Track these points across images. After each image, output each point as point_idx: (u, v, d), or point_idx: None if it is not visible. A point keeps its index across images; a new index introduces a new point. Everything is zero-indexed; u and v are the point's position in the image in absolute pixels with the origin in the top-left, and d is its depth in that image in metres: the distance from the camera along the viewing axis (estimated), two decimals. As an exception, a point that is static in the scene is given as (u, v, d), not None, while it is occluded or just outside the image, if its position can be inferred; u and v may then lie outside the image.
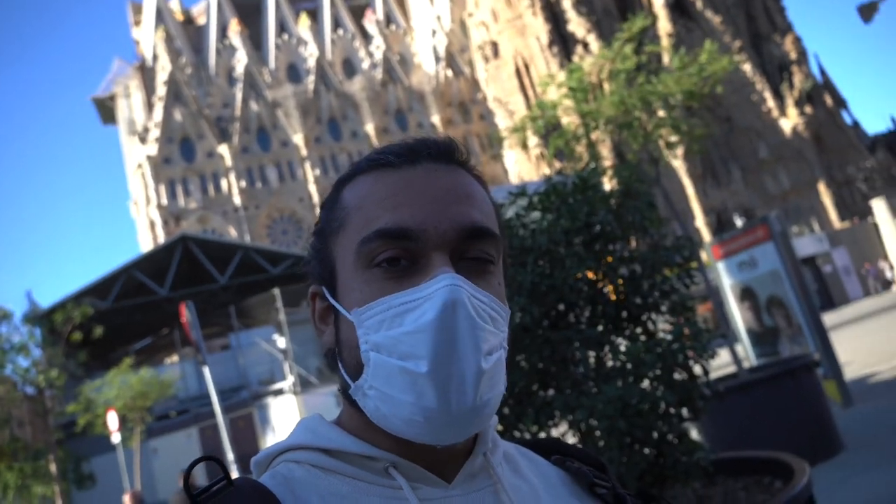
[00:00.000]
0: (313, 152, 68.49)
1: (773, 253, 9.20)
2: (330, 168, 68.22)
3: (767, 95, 54.02)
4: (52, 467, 18.89)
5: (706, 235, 48.11)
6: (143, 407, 18.61)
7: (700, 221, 51.20)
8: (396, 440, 0.68)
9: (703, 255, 11.76)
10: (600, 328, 3.99)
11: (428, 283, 0.66)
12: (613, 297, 3.88)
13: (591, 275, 3.92)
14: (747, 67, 53.60)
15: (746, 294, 9.91)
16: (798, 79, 54.95)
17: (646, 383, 3.63)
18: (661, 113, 10.53)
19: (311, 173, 68.00)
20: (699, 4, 55.36)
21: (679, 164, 50.65)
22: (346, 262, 0.71)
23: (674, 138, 11.12)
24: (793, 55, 56.51)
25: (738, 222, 31.03)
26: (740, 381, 6.74)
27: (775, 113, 54.16)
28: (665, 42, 48.87)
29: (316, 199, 65.37)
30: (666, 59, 17.91)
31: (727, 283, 10.12)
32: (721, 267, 10.24)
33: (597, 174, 3.96)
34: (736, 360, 7.86)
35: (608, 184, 4.92)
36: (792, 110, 53.91)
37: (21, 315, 23.87)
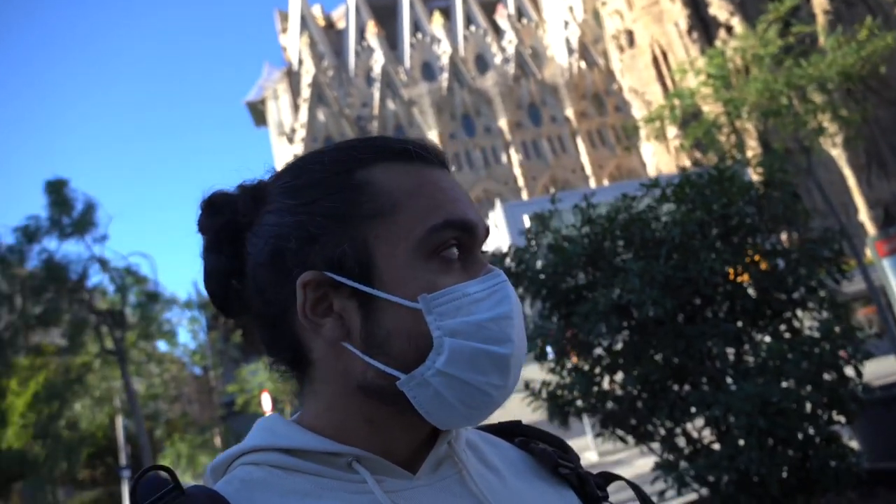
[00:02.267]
0: (448, 148, 69.80)
1: (946, 248, 8.34)
2: (465, 165, 69.18)
3: (944, 72, 48.44)
4: (217, 440, 20.69)
5: (871, 231, 44.00)
6: (293, 390, 20.04)
7: (864, 215, 46.86)
8: (359, 436, 0.69)
9: (868, 253, 10.82)
10: (739, 324, 3.84)
11: (490, 276, 0.70)
12: (754, 292, 3.71)
13: (730, 270, 3.78)
14: (919, 43, 48.32)
15: (915, 292, 9.05)
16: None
17: (789, 383, 3.45)
18: (816, 98, 9.72)
19: (445, 169, 69.33)
20: (860, -23, 50.63)
21: (838, 153, 46.58)
22: (396, 249, 0.69)
23: (828, 125, 10.25)
24: (976, 26, 50.31)
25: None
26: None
27: (954, 92, 48.46)
28: (821, 20, 45.13)
29: (451, 193, 66.89)
30: (822, 39, 16.50)
31: (895, 283, 9.30)
32: (887, 265, 9.41)
33: (741, 165, 3.80)
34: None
35: (754, 175, 4.69)
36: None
37: (186, 302, 26.39)
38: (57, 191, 20.38)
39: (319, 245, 0.69)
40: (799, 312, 3.84)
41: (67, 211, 20.18)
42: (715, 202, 3.84)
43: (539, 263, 4.32)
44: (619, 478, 0.83)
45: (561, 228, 4.44)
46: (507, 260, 4.50)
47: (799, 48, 10.87)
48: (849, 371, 3.85)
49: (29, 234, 20.02)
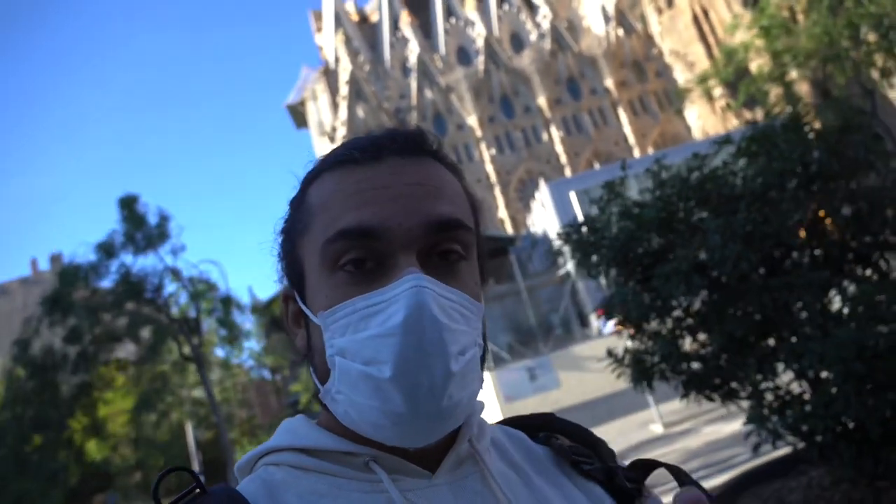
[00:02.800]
0: (488, 132, 69.52)
1: None
2: (506, 147, 68.87)
3: None
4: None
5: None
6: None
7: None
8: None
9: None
10: (827, 273, 3.79)
11: (393, 285, 0.64)
12: (837, 238, 3.66)
13: (820, 214, 3.73)
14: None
15: None
16: None
17: (886, 327, 3.40)
18: (870, 38, 9.35)
19: (486, 153, 69.18)
20: None
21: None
22: (312, 264, 0.69)
23: (890, 64, 9.86)
24: None
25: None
26: None
27: None
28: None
29: (494, 178, 66.28)
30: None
31: None
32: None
33: (799, 116, 3.76)
34: None
35: (816, 124, 4.62)
36: None
37: (248, 306, 27.14)
38: (129, 206, 21.33)
39: (285, 261, 0.75)
40: (887, 255, 3.78)
41: (139, 225, 21.09)
42: (793, 151, 3.80)
43: (613, 231, 4.36)
44: (658, 464, 0.79)
45: (630, 196, 4.46)
46: (583, 229, 4.54)
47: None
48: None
49: (107, 249, 21.00)
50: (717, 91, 13.51)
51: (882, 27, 9.33)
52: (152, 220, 21.34)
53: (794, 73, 10.27)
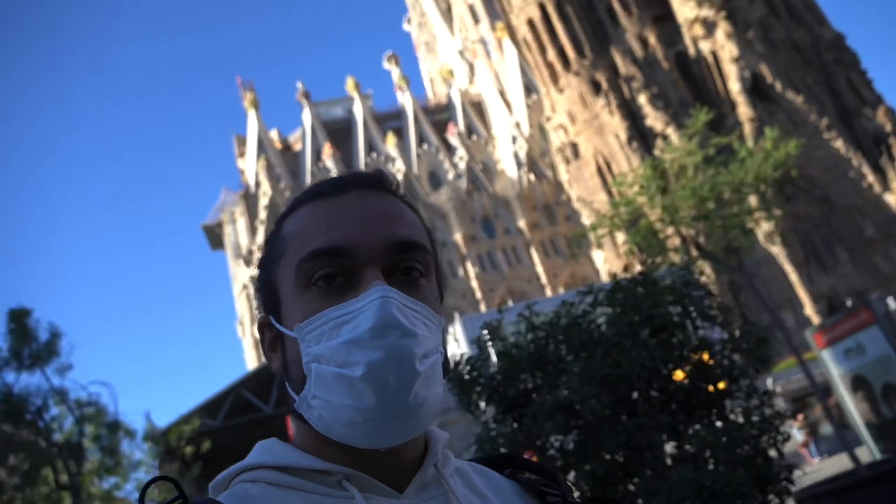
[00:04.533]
0: (405, 262, 70.50)
1: (881, 337, 8.77)
2: (422, 276, 69.75)
3: (866, 171, 51.99)
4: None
5: (817, 323, 45.45)
6: None
7: (809, 309, 48.49)
8: (349, 454, 0.73)
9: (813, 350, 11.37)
10: (678, 416, 4.15)
11: (362, 297, 0.70)
12: (683, 382, 4.07)
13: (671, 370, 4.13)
14: (839, 144, 52.14)
15: (859, 383, 9.28)
16: (897, 151, 52.75)
17: (722, 468, 3.75)
18: (751, 200, 10.60)
19: (403, 282, 69.70)
20: (778, 87, 55.02)
21: (778, 251, 48.87)
22: (287, 285, 0.76)
23: (754, 224, 11.14)
24: (888, 127, 54.60)
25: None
26: (858, 478, 6.39)
27: (877, 188, 51.86)
28: (747, 128, 48.54)
29: (409, 306, 66.68)
30: (741, 146, 18.04)
31: (836, 373, 9.54)
32: (826, 355, 9.75)
33: (677, 267, 4.25)
34: (852, 455, 7.51)
35: (704, 276, 5.14)
36: None
37: (140, 434, 25.39)
38: (19, 320, 19.97)
39: (262, 291, 0.82)
40: (728, 401, 4.20)
41: (28, 341, 19.72)
42: (643, 304, 4.27)
43: (491, 370, 4.64)
44: (611, 500, 0.87)
45: (509, 336, 4.80)
46: (461, 368, 4.80)
47: (720, 157, 11.97)
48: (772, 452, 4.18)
49: None
50: (620, 237, 14.58)
51: (741, 192, 10.66)
52: (43, 335, 20.06)
53: (682, 227, 11.40)
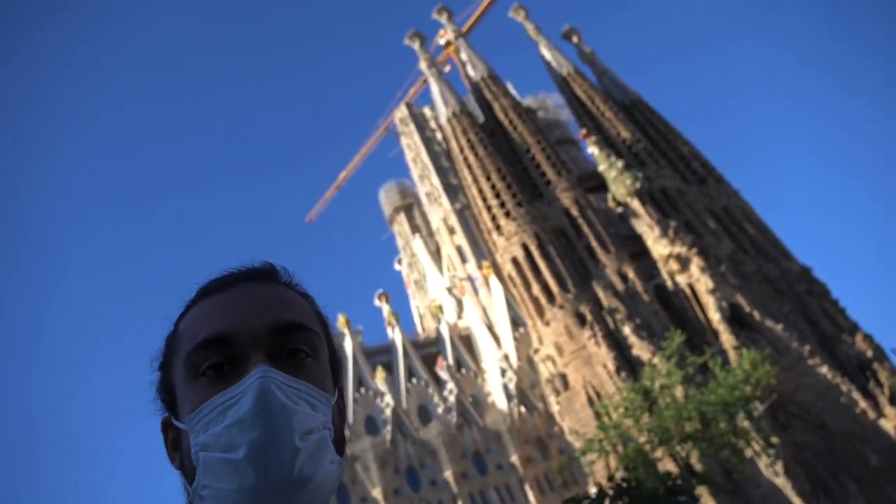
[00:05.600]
0: (392, 504, 66.47)
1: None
2: (411, 520, 65.36)
3: (857, 397, 51.60)
4: None
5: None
6: None
7: (825, 545, 45.05)
8: None
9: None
10: None
11: (244, 380, 0.73)
12: None
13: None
14: (825, 370, 52.35)
15: None
16: (883, 375, 52.98)
17: None
18: (743, 423, 10.34)
19: (391, 527, 65.15)
20: (756, 315, 56.68)
21: (783, 483, 46.65)
22: (179, 379, 0.79)
23: (743, 447, 10.73)
24: (869, 353, 55.39)
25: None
26: None
27: (871, 414, 51.10)
28: (732, 355, 48.98)
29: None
30: (731, 365, 18.00)
31: None
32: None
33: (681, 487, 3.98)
34: None
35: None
36: (889, 409, 50.87)
37: None
38: None
39: (160, 391, 0.85)
40: None
41: None
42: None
43: None
44: None
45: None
46: None
47: (700, 378, 11.91)
48: None
49: None
50: (613, 464, 13.96)
51: (728, 412, 10.44)
52: None
53: (659, 452, 10.99)
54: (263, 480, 0.68)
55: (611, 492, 4.08)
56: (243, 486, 0.69)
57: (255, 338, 0.77)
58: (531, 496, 65.80)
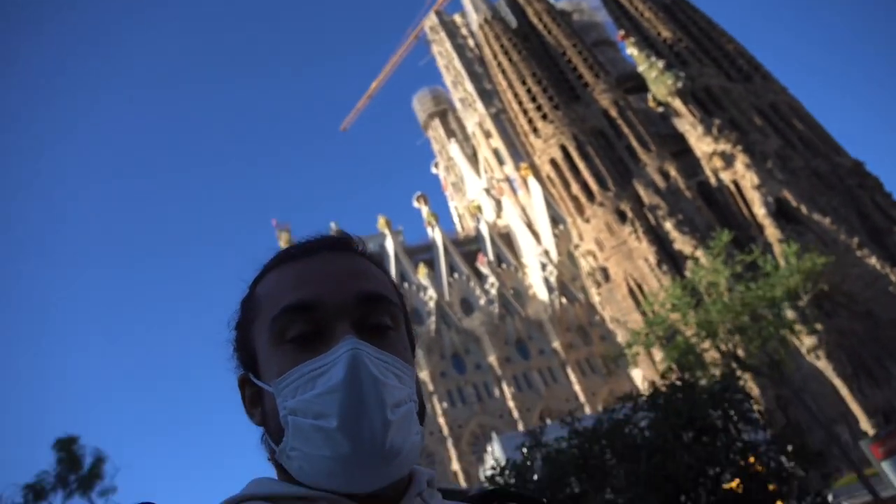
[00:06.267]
0: (440, 387, 69.70)
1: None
2: (458, 401, 68.79)
3: (906, 285, 51.03)
4: None
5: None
6: None
7: (865, 423, 46.11)
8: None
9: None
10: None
11: (333, 350, 0.73)
12: (734, 486, 4.07)
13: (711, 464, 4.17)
14: (873, 261, 51.62)
15: (921, 492, 9.00)
16: (934, 266, 52.00)
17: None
18: (788, 314, 10.65)
19: (439, 407, 68.76)
20: (804, 209, 55.56)
21: (824, 365, 47.30)
22: (263, 343, 0.79)
23: (795, 338, 11.09)
24: (921, 244, 54.16)
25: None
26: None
27: (920, 302, 50.64)
28: (777, 249, 48.54)
29: (446, 431, 65.14)
30: (777, 259, 18.12)
31: None
32: (886, 467, 9.47)
33: (732, 380, 4.32)
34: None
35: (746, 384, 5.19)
36: (938, 298, 50.32)
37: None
38: (66, 448, 20.57)
39: (240, 350, 0.86)
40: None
41: (76, 468, 20.12)
42: (682, 408, 4.37)
43: (535, 476, 4.68)
44: None
45: (552, 444, 4.86)
46: (506, 474, 4.85)
47: (749, 274, 12.15)
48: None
49: (36, 491, 19.86)
50: (658, 353, 14.47)
51: (775, 306, 10.71)
52: (88, 460, 20.58)
53: (718, 340, 11.39)
54: (357, 451, 0.70)
55: (664, 389, 4.38)
56: (337, 454, 0.71)
57: (341, 308, 0.78)
58: (573, 377, 68.23)
